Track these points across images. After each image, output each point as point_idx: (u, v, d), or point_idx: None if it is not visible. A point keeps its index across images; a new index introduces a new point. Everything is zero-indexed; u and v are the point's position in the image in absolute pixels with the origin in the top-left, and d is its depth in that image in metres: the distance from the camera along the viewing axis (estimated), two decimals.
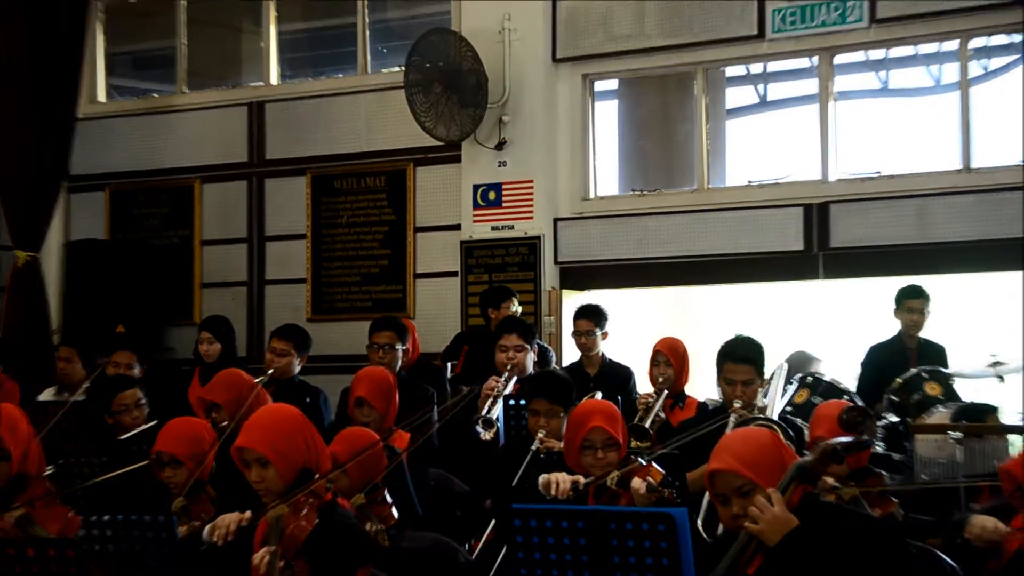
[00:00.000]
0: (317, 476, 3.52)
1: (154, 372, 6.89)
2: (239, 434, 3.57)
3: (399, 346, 6.13)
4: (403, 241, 8.80)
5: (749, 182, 8.13)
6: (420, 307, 8.72)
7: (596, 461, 4.11)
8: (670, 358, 5.92)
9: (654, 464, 4.06)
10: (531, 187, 8.35)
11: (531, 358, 5.99)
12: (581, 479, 4.05)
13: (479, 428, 5.38)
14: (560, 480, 4.05)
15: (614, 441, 4.13)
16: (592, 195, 8.51)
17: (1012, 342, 6.73)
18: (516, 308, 7.24)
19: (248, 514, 3.54)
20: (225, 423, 4.76)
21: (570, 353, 7.59)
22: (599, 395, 5.28)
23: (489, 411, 5.47)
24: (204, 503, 4.05)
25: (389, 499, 4.18)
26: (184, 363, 8.10)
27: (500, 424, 5.41)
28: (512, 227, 8.38)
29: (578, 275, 8.39)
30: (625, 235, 8.26)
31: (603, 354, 6.81)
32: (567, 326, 7.67)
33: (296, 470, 3.51)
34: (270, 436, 3.50)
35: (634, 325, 8.40)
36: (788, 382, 6.30)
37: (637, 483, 3.93)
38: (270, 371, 6.17)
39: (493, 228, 8.43)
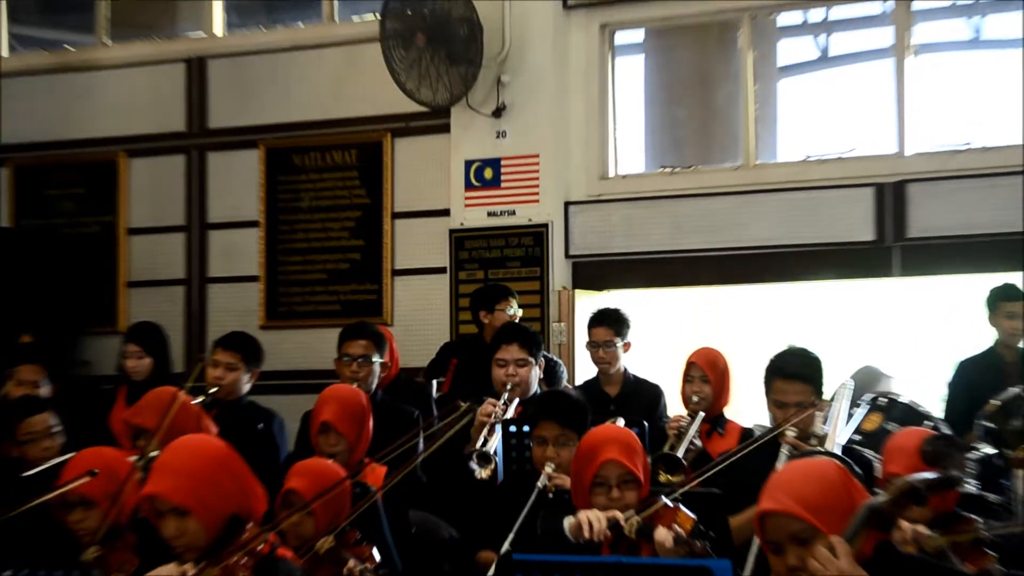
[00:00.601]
0: (250, 526, 3.47)
1: (67, 391, 6.86)
2: (147, 477, 3.52)
3: (376, 358, 6.12)
4: (379, 230, 8.79)
5: (807, 157, 8.11)
6: (400, 311, 8.70)
7: (611, 503, 4.07)
8: (707, 373, 5.90)
9: (683, 508, 4.02)
10: (536, 163, 8.33)
11: (536, 374, 5.97)
12: (620, 515, 4.01)
13: (473, 465, 5.35)
14: (594, 519, 4.02)
15: (632, 477, 4.10)
16: (612, 173, 8.49)
17: None
18: (515, 311, 7.21)
19: (189, 568, 3.50)
20: (155, 453, 4.75)
21: (585, 368, 7.57)
22: (621, 421, 5.24)
23: (485, 443, 5.45)
24: (124, 553, 4.02)
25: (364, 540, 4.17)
26: (105, 380, 8.06)
27: (499, 458, 5.38)
28: (513, 212, 8.36)
29: (595, 272, 8.37)
30: (653, 222, 8.24)
31: (625, 370, 6.80)
32: (581, 335, 7.64)
33: (223, 519, 3.45)
34: (187, 479, 3.44)
35: (663, 333, 8.37)
36: (855, 404, 6.25)
37: (662, 534, 3.89)
38: (212, 390, 6.14)
39: (490, 214, 8.41)
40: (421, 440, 5.91)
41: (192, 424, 5.00)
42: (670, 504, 4.03)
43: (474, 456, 5.40)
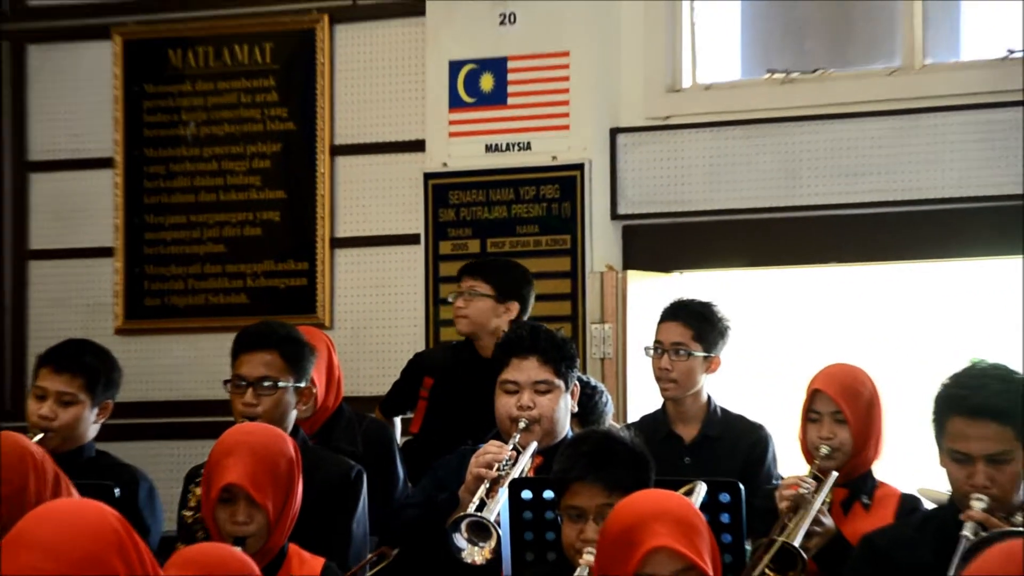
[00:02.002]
0: None
1: None
2: None
3: (287, 381, 6.09)
4: (310, 174, 8.82)
5: (1009, 53, 8.11)
6: (345, 305, 8.75)
7: None
8: (843, 408, 5.88)
9: None
10: (566, 66, 8.36)
11: (566, 406, 5.99)
12: None
13: (461, 540, 5.35)
14: None
15: (696, 572, 4.14)
16: (688, 82, 8.50)
17: None
18: (528, 304, 7.27)
19: None
20: None
21: (642, 397, 7.60)
22: (703, 488, 5.27)
23: (483, 507, 5.47)
24: None
25: None
26: None
27: (503, 532, 5.40)
28: (528, 146, 8.40)
29: (659, 242, 8.40)
30: (755, 161, 8.25)
31: (709, 399, 6.81)
32: (638, 338, 7.64)
33: None
34: (57, 562, 3.49)
35: (771, 341, 8.37)
36: None
37: None
38: (37, 436, 6.16)
39: (489, 149, 8.45)
40: (362, 507, 5.94)
41: (48, 488, 5.05)
42: None
43: (463, 527, 5.41)
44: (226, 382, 6.14)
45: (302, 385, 6.10)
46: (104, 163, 9.18)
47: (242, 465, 5.07)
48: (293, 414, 6.09)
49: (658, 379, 6.79)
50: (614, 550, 4.19)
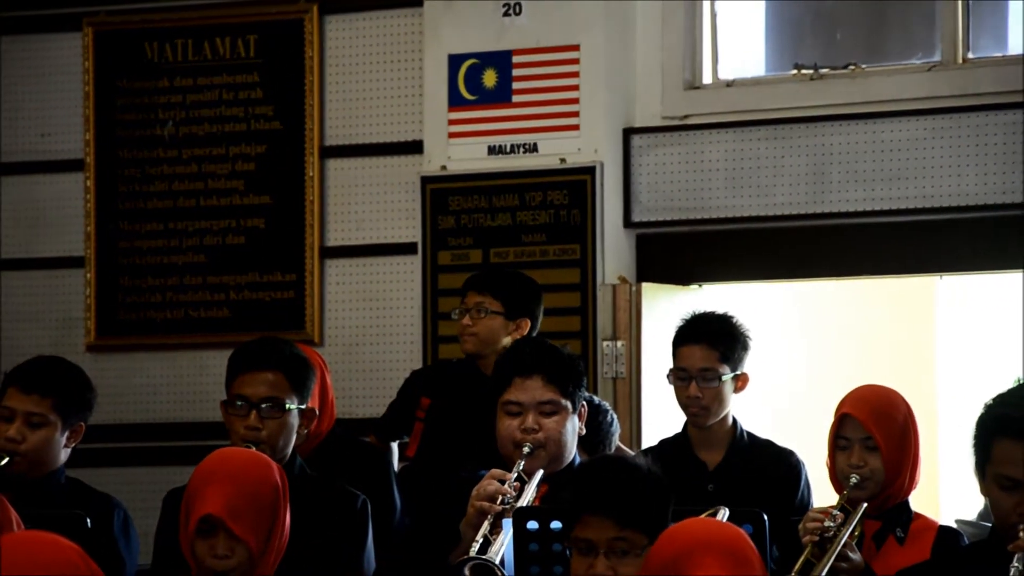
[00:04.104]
0: None
1: None
2: None
3: (292, 403, 6.09)
4: (298, 177, 8.83)
5: None
6: (335, 320, 8.76)
7: None
8: (873, 433, 5.87)
9: None
10: (575, 61, 8.37)
11: (574, 429, 5.99)
12: None
13: None
14: None
15: None
16: (708, 78, 8.51)
17: None
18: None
19: None
20: None
21: (658, 420, 7.61)
22: (725, 512, 5.28)
23: (485, 547, 5.48)
24: None
25: None
26: None
27: (508, 569, 5.41)
28: (534, 148, 8.41)
29: (677, 252, 8.41)
30: (782, 165, 8.25)
31: (735, 422, 6.80)
32: (655, 361, 7.65)
33: None
34: None
35: (797, 361, 8.37)
36: None
37: None
38: (4, 460, 6.17)
39: (492, 150, 8.46)
40: (370, 540, 5.94)
41: None
42: None
43: (466, 570, 5.43)
44: (223, 403, 6.14)
45: (308, 406, 6.12)
46: (74, 165, 9.19)
47: (222, 495, 5.04)
48: (294, 438, 6.09)
49: (685, 407, 6.73)
50: None
